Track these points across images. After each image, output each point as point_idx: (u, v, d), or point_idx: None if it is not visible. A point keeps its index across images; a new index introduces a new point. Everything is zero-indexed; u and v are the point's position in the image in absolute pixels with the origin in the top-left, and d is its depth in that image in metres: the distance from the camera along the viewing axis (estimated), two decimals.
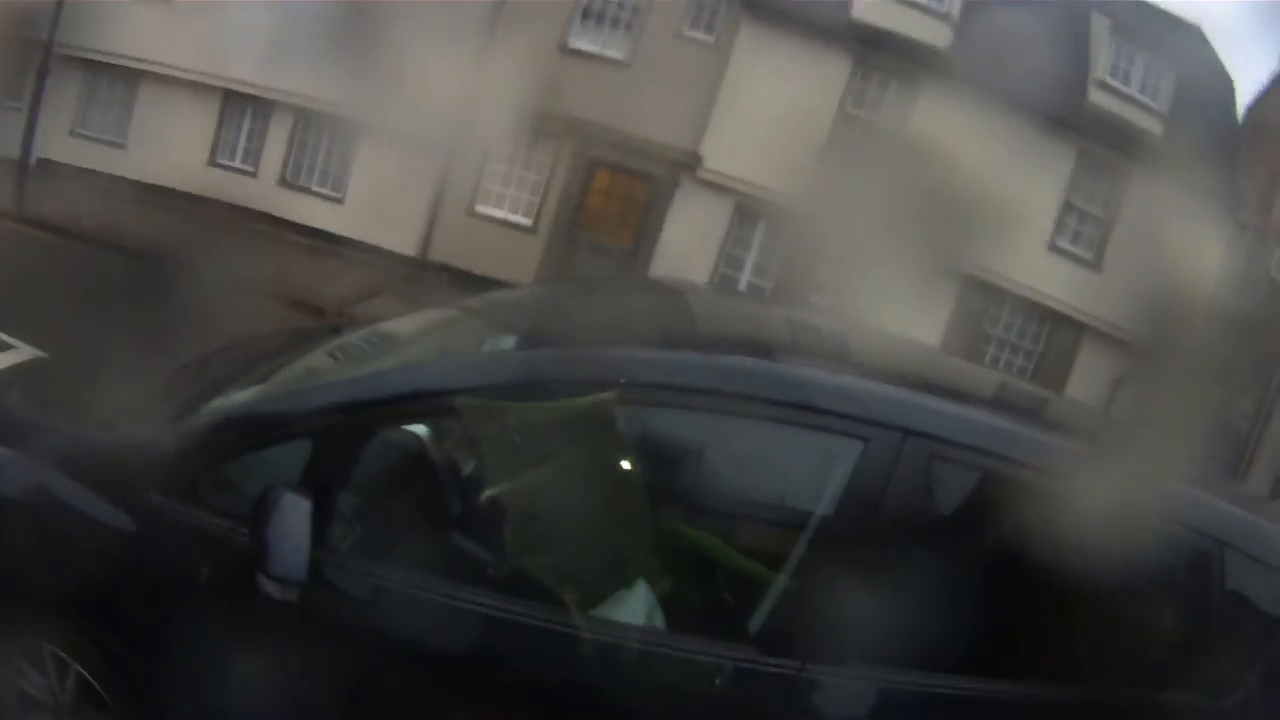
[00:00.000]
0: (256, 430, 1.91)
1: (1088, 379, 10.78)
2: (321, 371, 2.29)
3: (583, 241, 10.52)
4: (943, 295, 10.57)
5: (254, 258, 9.91)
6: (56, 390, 2.47)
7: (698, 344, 2.22)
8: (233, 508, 1.79)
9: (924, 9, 11.03)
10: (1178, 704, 1.69)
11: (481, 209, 10.66)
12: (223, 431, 1.93)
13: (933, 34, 11.01)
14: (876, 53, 10.81)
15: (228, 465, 1.88)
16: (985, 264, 10.64)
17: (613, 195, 10.67)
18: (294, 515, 1.64)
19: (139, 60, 11.23)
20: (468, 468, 2.02)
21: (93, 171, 11.53)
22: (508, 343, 2.22)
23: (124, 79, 11.44)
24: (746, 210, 10.21)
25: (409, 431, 2.00)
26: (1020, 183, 10.45)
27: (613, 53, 10.35)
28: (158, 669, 1.86)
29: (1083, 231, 11.04)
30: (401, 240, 10.38)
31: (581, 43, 10.47)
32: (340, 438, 1.81)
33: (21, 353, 5.05)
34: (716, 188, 10.06)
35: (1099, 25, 11.89)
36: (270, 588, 1.66)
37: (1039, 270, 10.55)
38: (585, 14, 10.57)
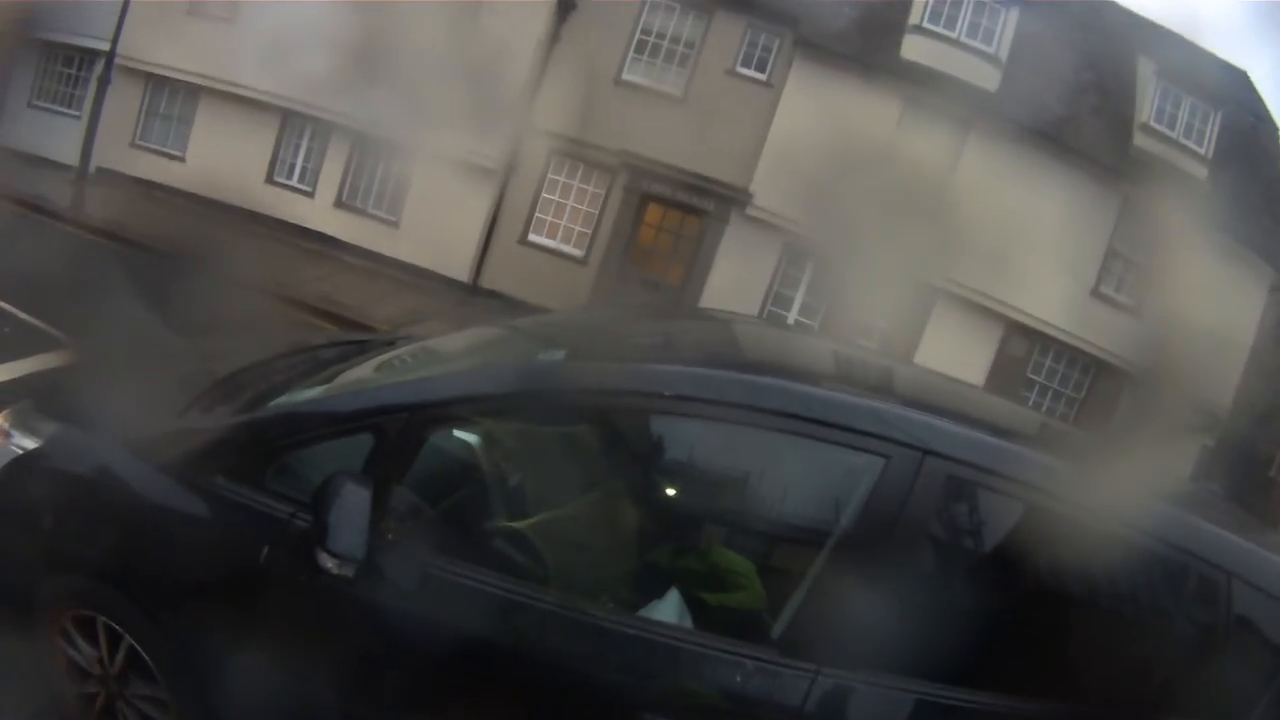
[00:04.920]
0: (320, 424, 2.04)
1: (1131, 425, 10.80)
2: (381, 376, 2.42)
3: (633, 274, 10.67)
4: (986, 338, 10.64)
5: (308, 276, 10.12)
6: (119, 382, 2.55)
7: (737, 364, 2.34)
8: (294, 494, 1.92)
9: (972, 50, 11.11)
10: None
11: (534, 238, 10.83)
12: (289, 424, 2.07)
13: (981, 75, 11.08)
14: (925, 93, 10.90)
15: (291, 455, 2.01)
16: (1027, 309, 10.71)
17: (664, 229, 10.80)
18: (354, 499, 1.77)
19: (199, 75, 11.46)
20: (512, 472, 2.14)
21: (151, 182, 11.76)
22: (557, 356, 2.35)
23: (185, 93, 11.69)
24: (795, 249, 10.34)
25: (461, 434, 2.12)
26: (1066, 227, 10.51)
27: (666, 87, 10.52)
28: (210, 643, 1.96)
29: (1126, 278, 11.09)
30: (454, 265, 10.58)
31: (635, 76, 10.65)
32: (397, 435, 1.92)
33: (74, 350, 5.17)
34: (766, 225, 10.16)
35: (1145, 69, 11.94)
36: (329, 563, 1.78)
37: (1082, 316, 10.61)
38: (639, 48, 10.74)
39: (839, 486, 1.88)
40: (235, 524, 1.95)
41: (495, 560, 1.92)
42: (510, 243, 10.70)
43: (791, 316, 10.28)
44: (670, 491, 2.15)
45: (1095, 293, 10.87)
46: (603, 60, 10.24)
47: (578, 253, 10.80)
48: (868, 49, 10.48)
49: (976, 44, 11.06)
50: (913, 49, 10.75)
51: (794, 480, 2.02)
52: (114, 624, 2.06)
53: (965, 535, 1.90)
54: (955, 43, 10.95)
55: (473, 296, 10.32)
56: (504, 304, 9.98)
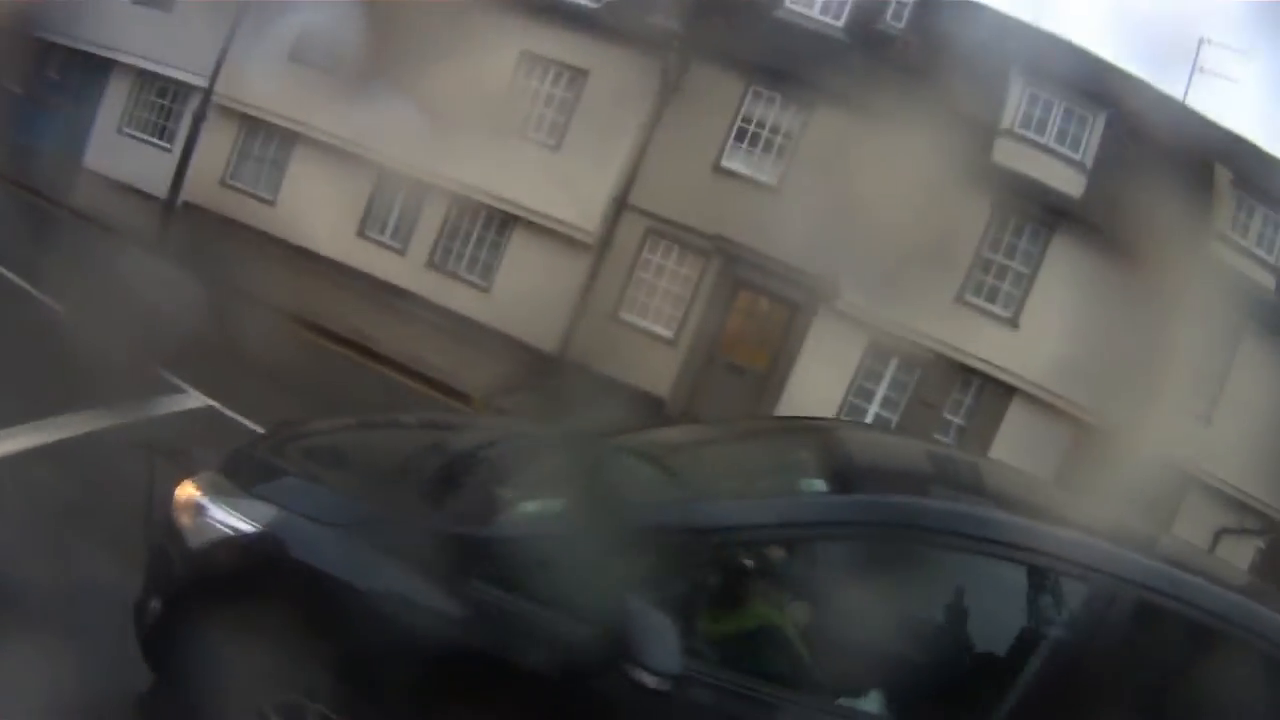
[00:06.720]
0: (598, 538, 2.08)
1: (1190, 527, 10.83)
2: (638, 487, 2.49)
3: (720, 359, 10.79)
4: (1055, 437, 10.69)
5: (397, 334, 10.22)
6: (310, 463, 2.57)
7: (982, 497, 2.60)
8: (560, 602, 1.97)
9: (1058, 155, 11.30)
10: None
11: (625, 316, 10.95)
12: (564, 539, 2.11)
13: (1066, 181, 11.28)
14: (1015, 197, 11.08)
15: (558, 567, 2.03)
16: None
17: (753, 316, 10.93)
18: (658, 617, 1.86)
19: (296, 122, 11.60)
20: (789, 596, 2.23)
21: (238, 222, 11.87)
22: (819, 485, 2.51)
23: (280, 137, 11.82)
24: (881, 346, 10.45)
25: (731, 552, 2.19)
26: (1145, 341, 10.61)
27: (763, 176, 10.66)
28: None
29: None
30: (542, 336, 10.68)
31: (734, 164, 10.79)
32: (682, 555, 2.06)
33: (192, 397, 5.40)
34: (853, 320, 10.28)
35: (1221, 178, 12.13)
36: (646, 678, 1.84)
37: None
38: (739, 136, 10.89)
39: (1046, 608, 2.09)
40: (498, 628, 2.01)
41: (754, 666, 2.04)
42: (601, 317, 10.83)
43: (872, 409, 10.41)
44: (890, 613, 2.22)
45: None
46: (703, 145, 10.38)
47: (667, 334, 10.90)
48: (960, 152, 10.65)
49: (1064, 149, 11.25)
50: (1002, 153, 10.93)
51: (1000, 602, 2.19)
52: (331, 714, 2.10)
53: (1157, 659, 2.04)
54: (1044, 148, 11.13)
55: (558, 368, 10.39)
56: (589, 379, 10.05)
